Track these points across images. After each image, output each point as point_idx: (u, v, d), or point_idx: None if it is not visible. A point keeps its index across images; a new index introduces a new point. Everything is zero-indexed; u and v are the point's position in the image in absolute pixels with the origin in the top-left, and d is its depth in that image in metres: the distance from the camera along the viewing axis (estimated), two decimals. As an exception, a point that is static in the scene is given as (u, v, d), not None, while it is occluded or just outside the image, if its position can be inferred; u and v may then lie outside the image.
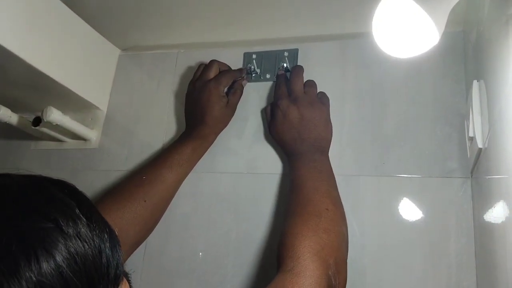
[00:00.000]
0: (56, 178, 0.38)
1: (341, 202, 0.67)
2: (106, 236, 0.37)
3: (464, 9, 0.73)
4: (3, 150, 0.97)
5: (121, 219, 0.69)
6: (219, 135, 0.81)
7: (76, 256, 0.33)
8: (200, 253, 0.77)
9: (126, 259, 0.71)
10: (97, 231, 0.36)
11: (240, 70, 0.83)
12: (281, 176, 0.77)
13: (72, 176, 0.88)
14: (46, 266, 0.31)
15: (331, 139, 0.75)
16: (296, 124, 0.73)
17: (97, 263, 0.35)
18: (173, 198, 0.80)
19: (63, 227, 0.33)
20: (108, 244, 0.36)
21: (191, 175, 0.80)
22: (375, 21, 0.50)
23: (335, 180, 0.70)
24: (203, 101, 0.78)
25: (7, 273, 0.30)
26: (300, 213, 0.61)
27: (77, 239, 0.34)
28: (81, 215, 0.35)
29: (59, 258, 0.32)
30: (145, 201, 0.72)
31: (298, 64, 0.83)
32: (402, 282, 0.67)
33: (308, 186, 0.65)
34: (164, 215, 0.80)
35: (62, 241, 0.33)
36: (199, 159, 0.80)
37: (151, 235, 0.79)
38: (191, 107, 0.81)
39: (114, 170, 0.86)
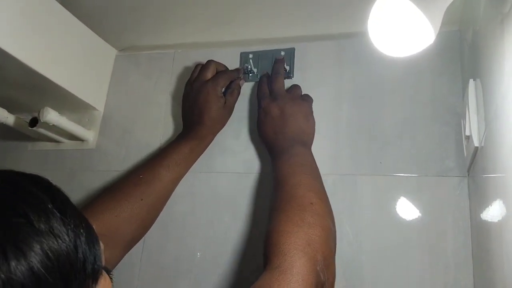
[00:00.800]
0: (31, 173, 0.38)
1: (326, 195, 0.66)
2: (82, 231, 0.36)
3: (460, 8, 0.73)
4: (0, 151, 0.97)
5: (117, 217, 0.69)
6: (217, 135, 0.81)
7: (48, 252, 0.32)
8: (198, 253, 0.77)
9: (123, 256, 0.71)
10: (72, 226, 0.35)
11: (237, 70, 0.83)
12: (279, 176, 0.77)
13: (69, 176, 0.88)
14: (16, 264, 0.30)
15: (313, 134, 0.75)
16: (277, 119, 0.74)
17: (72, 259, 0.34)
18: (171, 198, 0.80)
19: (34, 223, 0.32)
20: (84, 239, 0.36)
21: (188, 175, 0.81)
22: (370, 21, 0.50)
23: (318, 172, 0.69)
24: (200, 102, 0.78)
25: None
26: (284, 209, 0.60)
27: (50, 234, 0.33)
28: (54, 210, 0.34)
29: (29, 254, 0.31)
30: (141, 199, 0.72)
31: (295, 63, 0.83)
32: (400, 281, 0.67)
33: (291, 182, 0.64)
34: (162, 215, 0.80)
35: (34, 237, 0.32)
36: (197, 159, 0.80)
37: (149, 234, 0.79)
38: (189, 107, 0.81)
39: (111, 170, 0.86)
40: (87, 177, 0.87)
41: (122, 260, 0.78)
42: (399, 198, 0.71)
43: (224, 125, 0.81)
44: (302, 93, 0.79)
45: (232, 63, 0.86)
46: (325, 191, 0.66)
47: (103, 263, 0.39)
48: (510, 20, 0.42)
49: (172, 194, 0.81)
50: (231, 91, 0.81)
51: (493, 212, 0.50)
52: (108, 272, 0.41)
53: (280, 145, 0.72)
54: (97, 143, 0.90)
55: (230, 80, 0.81)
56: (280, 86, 0.78)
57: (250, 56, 0.85)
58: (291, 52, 0.84)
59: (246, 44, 0.87)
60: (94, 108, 0.90)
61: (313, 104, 0.79)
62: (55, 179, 0.97)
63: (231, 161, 0.80)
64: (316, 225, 0.58)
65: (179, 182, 0.79)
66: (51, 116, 0.81)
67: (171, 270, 0.77)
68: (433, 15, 0.43)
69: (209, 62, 0.82)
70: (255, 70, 0.85)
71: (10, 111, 0.86)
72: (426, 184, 0.70)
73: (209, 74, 0.80)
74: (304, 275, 0.51)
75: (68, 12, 0.82)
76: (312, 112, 0.77)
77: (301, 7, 0.78)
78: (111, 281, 0.41)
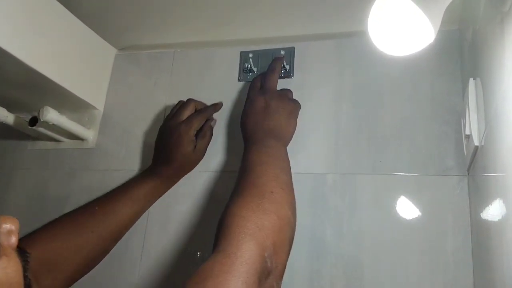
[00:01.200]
0: None
1: (291, 188, 0.64)
2: None
3: (460, 7, 0.73)
4: (0, 151, 0.97)
5: (63, 246, 0.68)
6: (214, 132, 0.81)
7: None
8: (198, 253, 0.76)
9: (68, 287, 0.69)
10: None
11: (214, 106, 0.82)
12: (278, 175, 0.77)
13: (69, 175, 0.88)
14: None
15: (291, 134, 0.75)
16: (260, 112, 0.74)
17: None
18: (171, 197, 0.80)
19: None
20: None
21: (189, 174, 0.80)
22: (370, 20, 0.50)
23: (288, 167, 0.68)
24: (171, 143, 0.77)
25: None
26: (243, 195, 0.59)
27: None
28: None
29: None
30: (92, 232, 0.71)
31: (295, 63, 0.83)
32: (399, 279, 0.67)
33: (256, 170, 0.63)
34: (161, 215, 0.80)
35: None
36: (159, 197, 0.80)
37: (149, 234, 0.79)
38: (160, 144, 0.80)
39: (111, 169, 0.86)
40: (87, 176, 0.87)
41: (122, 259, 0.78)
42: (399, 197, 0.71)
43: (192, 168, 0.80)
44: (293, 97, 0.79)
45: (232, 62, 0.86)
46: (291, 184, 0.65)
47: (13, 243, 0.38)
48: (510, 19, 0.42)
49: (172, 194, 0.81)
50: (203, 134, 0.79)
51: (493, 211, 0.50)
52: (23, 254, 0.40)
53: (255, 135, 0.72)
54: (97, 142, 0.89)
55: (204, 121, 0.80)
56: (272, 83, 0.78)
57: (250, 55, 0.85)
58: (291, 51, 0.84)
59: (246, 44, 0.87)
60: (94, 107, 0.90)
61: (313, 103, 0.79)
62: (55, 178, 0.97)
63: (230, 161, 0.80)
64: (272, 212, 0.56)
65: (138, 218, 0.77)
66: (51, 115, 0.81)
67: (170, 269, 0.77)
68: (433, 14, 0.43)
69: (189, 101, 0.80)
70: (255, 69, 0.84)
71: (10, 110, 0.86)
72: (426, 183, 0.70)
73: (186, 114, 0.79)
74: (249, 258, 0.49)
75: (68, 11, 0.82)
76: (296, 115, 0.77)
77: (301, 6, 0.78)
78: (25, 264, 0.40)
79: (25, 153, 0.94)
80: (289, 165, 0.69)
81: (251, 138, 0.73)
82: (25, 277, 0.42)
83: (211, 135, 0.81)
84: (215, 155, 0.82)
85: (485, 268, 0.56)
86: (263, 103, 0.75)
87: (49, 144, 0.92)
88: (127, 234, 0.79)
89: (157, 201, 0.81)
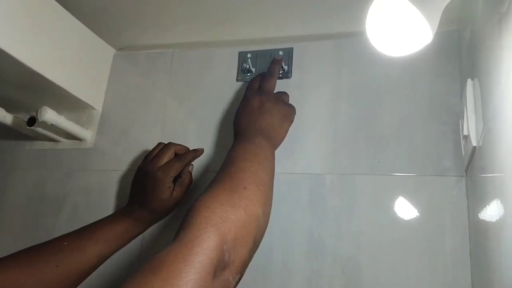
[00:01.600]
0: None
1: (269, 188, 0.64)
2: None
3: (458, 8, 0.73)
4: (-2, 151, 0.97)
5: (29, 279, 0.66)
6: (212, 132, 0.81)
7: None
8: None
9: None
10: None
11: (195, 152, 0.80)
12: (276, 175, 0.77)
13: (67, 176, 0.88)
14: None
15: (282, 137, 0.75)
16: (255, 111, 0.74)
17: None
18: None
19: None
20: None
21: (186, 175, 0.80)
22: (368, 20, 0.50)
23: (271, 168, 0.67)
24: (148, 187, 0.76)
25: None
26: (216, 187, 0.58)
27: None
28: None
29: None
30: (57, 266, 0.68)
31: (293, 63, 0.83)
32: (398, 280, 0.67)
33: (237, 165, 0.62)
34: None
35: None
36: (132, 239, 0.77)
37: (147, 235, 0.79)
38: (137, 186, 0.78)
39: (109, 169, 0.86)
40: (84, 176, 0.87)
41: (119, 263, 0.78)
42: (397, 197, 0.71)
43: (167, 214, 0.78)
44: (289, 101, 0.79)
45: (230, 62, 0.86)
46: (269, 185, 0.64)
47: None
48: (507, 19, 0.42)
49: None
50: (181, 181, 0.78)
51: (491, 212, 0.50)
52: None
53: (246, 132, 0.72)
54: (95, 142, 0.89)
55: (183, 167, 0.78)
56: (271, 85, 0.79)
57: (248, 55, 0.85)
58: (289, 52, 0.84)
59: (245, 44, 0.87)
60: (92, 108, 0.90)
61: (311, 103, 0.79)
62: (53, 179, 0.97)
63: (229, 161, 0.80)
64: (240, 207, 0.55)
65: (107, 258, 0.74)
66: (49, 115, 0.81)
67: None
68: (430, 14, 0.43)
69: (169, 145, 0.79)
70: (253, 69, 0.85)
71: (8, 110, 0.85)
72: (424, 183, 0.70)
73: (165, 159, 0.77)
74: (206, 248, 0.48)
75: (66, 11, 0.82)
76: (290, 119, 0.77)
77: (299, 7, 0.78)
78: None
79: (23, 153, 0.94)
80: (273, 166, 0.68)
81: (240, 134, 0.72)
82: None
83: (191, 181, 0.79)
84: (213, 156, 0.82)
85: (483, 268, 0.56)
86: (259, 103, 0.75)
87: (47, 144, 0.92)
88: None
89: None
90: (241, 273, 0.54)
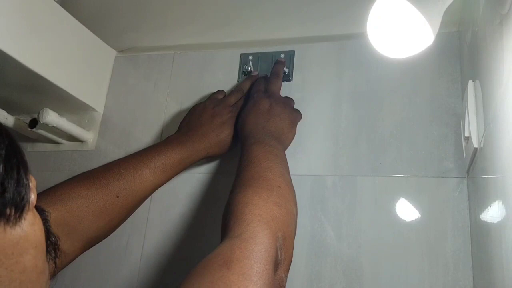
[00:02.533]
0: None
1: (293, 187, 0.64)
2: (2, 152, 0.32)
3: (459, 10, 0.73)
4: (0, 152, 0.97)
5: (87, 208, 0.61)
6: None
7: None
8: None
9: (82, 252, 0.63)
10: None
11: (250, 78, 0.83)
12: (278, 177, 0.77)
13: (69, 177, 0.88)
14: None
15: (291, 141, 0.75)
16: (264, 113, 0.74)
17: None
18: (171, 199, 0.80)
19: None
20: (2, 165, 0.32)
21: (187, 176, 0.80)
22: (369, 22, 0.50)
23: (288, 168, 0.67)
24: (215, 120, 0.76)
25: None
26: (251, 185, 0.58)
27: None
28: None
29: None
30: (117, 197, 0.65)
31: (294, 65, 0.83)
32: (399, 281, 0.67)
33: (262, 165, 0.62)
34: (161, 217, 0.80)
35: None
36: (181, 171, 0.74)
37: (148, 235, 0.79)
38: (199, 116, 0.77)
39: (111, 171, 0.86)
40: (86, 178, 0.87)
41: (121, 261, 0.78)
42: (399, 199, 0.71)
43: (220, 153, 0.78)
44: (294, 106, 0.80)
45: (232, 64, 0.86)
46: (292, 183, 0.64)
47: (33, 200, 0.36)
48: (508, 21, 0.42)
49: (171, 196, 0.81)
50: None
51: (493, 213, 0.50)
52: (42, 212, 0.37)
53: (257, 134, 0.71)
54: (96, 144, 0.90)
55: None
56: (277, 88, 0.79)
57: (250, 57, 0.85)
58: (290, 55, 0.84)
59: (246, 46, 0.87)
60: (93, 109, 0.90)
61: (312, 105, 0.79)
62: (55, 180, 0.98)
63: (230, 162, 0.80)
64: (281, 205, 0.56)
65: (159, 188, 0.71)
66: (51, 117, 0.81)
67: (170, 270, 0.77)
68: (432, 16, 0.43)
69: (239, 87, 0.81)
70: (254, 71, 0.85)
71: (9, 112, 0.86)
72: (426, 185, 0.70)
73: (234, 100, 0.79)
74: (266, 246, 0.49)
75: (68, 13, 0.82)
76: (296, 125, 0.77)
77: (301, 8, 0.78)
78: (45, 220, 0.37)
79: (25, 155, 0.94)
80: (289, 169, 0.68)
81: (251, 136, 0.71)
82: (51, 235, 0.39)
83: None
84: (215, 157, 0.82)
85: (484, 270, 0.56)
86: (267, 105, 0.75)
87: (49, 146, 0.92)
88: (126, 236, 0.79)
89: (156, 204, 0.81)
90: (288, 272, 0.54)
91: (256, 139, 0.70)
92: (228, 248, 0.47)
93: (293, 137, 0.76)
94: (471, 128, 0.58)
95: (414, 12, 0.43)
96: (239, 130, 0.76)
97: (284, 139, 0.73)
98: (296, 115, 0.77)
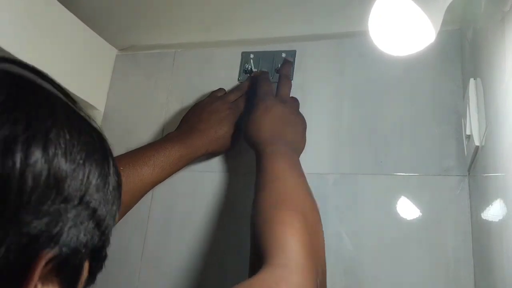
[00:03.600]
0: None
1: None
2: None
3: (461, 7, 0.73)
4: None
5: None
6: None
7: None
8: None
9: None
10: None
11: (251, 79, 0.82)
12: (279, 175, 0.77)
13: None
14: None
15: (303, 149, 0.74)
16: (278, 121, 0.72)
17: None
18: (171, 198, 0.80)
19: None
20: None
21: (189, 174, 0.80)
22: (371, 20, 0.50)
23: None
24: (215, 116, 0.76)
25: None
26: (286, 207, 0.56)
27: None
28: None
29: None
30: None
31: (295, 63, 0.83)
32: (401, 279, 0.67)
33: (291, 181, 0.62)
34: (162, 216, 0.80)
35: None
36: (181, 168, 0.75)
37: (149, 234, 0.79)
38: (199, 113, 0.77)
39: (112, 170, 0.86)
40: (87, 177, 0.87)
41: (122, 262, 0.78)
42: (400, 197, 0.71)
43: (219, 150, 0.78)
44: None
45: (233, 62, 0.86)
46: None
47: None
48: (510, 18, 0.42)
49: (172, 195, 0.81)
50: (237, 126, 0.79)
51: (494, 211, 0.50)
52: (102, 259, 0.36)
53: (278, 145, 0.69)
54: (97, 142, 0.89)
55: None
56: (288, 92, 0.78)
57: (251, 56, 0.85)
58: (292, 55, 0.83)
59: (246, 44, 0.87)
60: (94, 108, 0.90)
61: (313, 103, 0.79)
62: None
63: (231, 161, 0.80)
64: (317, 232, 0.55)
65: (159, 183, 0.72)
66: (52, 115, 0.81)
67: (171, 269, 0.77)
68: (433, 14, 0.43)
69: (239, 86, 0.82)
70: (255, 70, 0.84)
71: (10, 110, 0.86)
72: (427, 183, 0.70)
73: (233, 98, 0.80)
74: (311, 281, 0.47)
75: (69, 12, 0.82)
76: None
77: (302, 6, 0.78)
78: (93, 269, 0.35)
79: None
80: None
81: (270, 144, 0.69)
82: None
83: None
84: (215, 154, 0.81)
85: (485, 268, 0.56)
86: (281, 112, 0.73)
87: (50, 145, 0.92)
88: (127, 236, 0.79)
89: (157, 203, 0.81)
90: None
91: (277, 149, 0.68)
92: (273, 280, 0.46)
93: (304, 146, 0.74)
94: (473, 126, 0.58)
95: (415, 10, 0.43)
96: (252, 133, 0.72)
97: (299, 148, 0.73)
98: (305, 123, 0.76)
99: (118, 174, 0.35)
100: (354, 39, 0.80)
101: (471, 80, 0.62)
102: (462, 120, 0.68)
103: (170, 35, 0.90)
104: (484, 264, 0.57)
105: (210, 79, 0.87)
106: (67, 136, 0.30)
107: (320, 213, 0.73)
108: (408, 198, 0.70)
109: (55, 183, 0.28)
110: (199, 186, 0.80)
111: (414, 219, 0.69)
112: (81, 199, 0.30)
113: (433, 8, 0.43)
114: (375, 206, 0.71)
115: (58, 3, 0.80)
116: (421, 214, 0.69)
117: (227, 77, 0.86)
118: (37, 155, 0.28)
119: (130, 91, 0.92)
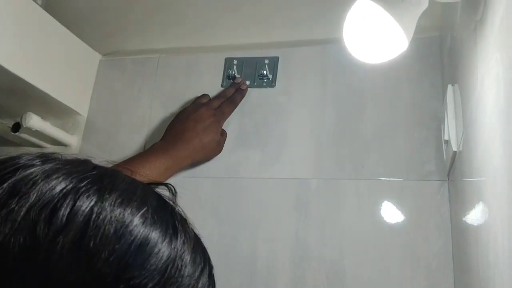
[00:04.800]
0: None
1: None
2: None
3: (439, 14, 0.74)
4: (-17, 157, 0.96)
5: None
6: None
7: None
8: None
9: None
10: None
11: (241, 92, 0.82)
12: (262, 180, 0.77)
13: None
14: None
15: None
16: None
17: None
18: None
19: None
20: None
21: (172, 180, 0.80)
22: (345, 28, 0.51)
23: None
24: (200, 125, 0.76)
25: None
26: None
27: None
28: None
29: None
30: None
31: (278, 70, 0.83)
32: (381, 284, 0.67)
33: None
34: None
35: None
36: (167, 179, 0.74)
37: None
38: (183, 122, 0.77)
39: (95, 175, 0.86)
40: (70, 183, 0.86)
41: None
42: (382, 202, 0.71)
43: (205, 158, 0.79)
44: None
45: (217, 68, 0.87)
46: None
47: None
48: (482, 27, 0.43)
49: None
50: (222, 131, 0.80)
51: (472, 216, 0.51)
52: None
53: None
54: (80, 148, 0.89)
55: (233, 111, 0.81)
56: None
57: (235, 62, 0.86)
58: (275, 61, 0.84)
59: (230, 49, 0.87)
60: (77, 113, 0.89)
61: (295, 109, 0.80)
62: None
63: (214, 166, 0.80)
64: None
65: None
66: (34, 121, 0.80)
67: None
68: (406, 22, 0.44)
69: (223, 92, 0.82)
70: (238, 76, 0.85)
71: (-8, 116, 0.85)
72: (408, 188, 0.71)
73: (218, 103, 0.80)
74: None
75: (51, 17, 0.81)
76: None
77: (284, 12, 0.78)
78: None
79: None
80: None
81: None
82: None
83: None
84: (200, 163, 0.81)
85: (464, 271, 0.57)
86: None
87: (33, 151, 0.91)
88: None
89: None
90: None
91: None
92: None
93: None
94: (450, 131, 0.59)
95: (387, 18, 0.44)
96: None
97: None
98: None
99: None
100: (336, 45, 0.80)
101: (449, 86, 0.63)
102: (442, 126, 0.69)
103: (154, 41, 0.90)
104: (463, 267, 0.58)
105: (193, 85, 0.87)
106: None
107: (302, 218, 0.73)
108: (389, 202, 0.71)
109: None
110: (181, 192, 0.80)
111: (395, 223, 0.70)
112: None
113: (405, 16, 0.44)
114: (357, 211, 0.72)
115: (41, 9, 0.79)
116: (402, 218, 0.70)
117: (210, 82, 0.86)
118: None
119: (113, 97, 0.91)
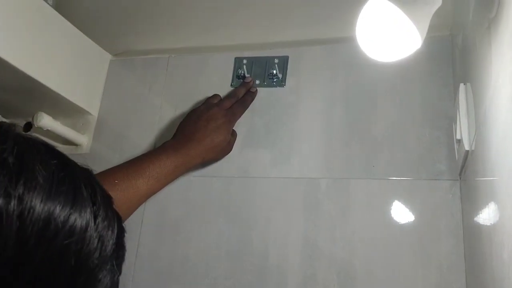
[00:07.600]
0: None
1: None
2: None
3: (451, 13, 0.73)
4: (-5, 156, 0.97)
5: None
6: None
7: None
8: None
9: None
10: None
11: (251, 94, 0.83)
12: (272, 180, 0.77)
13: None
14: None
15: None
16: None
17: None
18: (165, 202, 0.80)
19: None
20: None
21: (182, 179, 0.81)
22: (358, 26, 0.51)
23: None
24: (211, 124, 0.76)
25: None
26: None
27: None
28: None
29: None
30: None
31: (288, 70, 0.83)
32: (392, 283, 0.67)
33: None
34: (155, 220, 0.80)
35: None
36: (177, 178, 0.75)
37: (142, 239, 0.79)
38: (195, 121, 0.77)
39: (105, 175, 0.86)
40: (81, 182, 0.87)
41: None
42: (392, 201, 0.71)
43: (216, 158, 0.79)
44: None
45: (226, 68, 0.87)
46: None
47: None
48: (496, 25, 0.43)
49: (166, 199, 0.81)
50: (232, 132, 0.80)
51: (484, 215, 0.50)
52: None
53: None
54: (91, 147, 0.90)
55: (244, 111, 0.82)
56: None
57: (244, 61, 0.86)
58: (284, 60, 0.84)
59: (240, 49, 0.87)
60: (88, 113, 0.90)
61: (305, 109, 0.80)
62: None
63: (224, 165, 0.81)
64: None
65: (155, 193, 0.72)
66: (45, 121, 0.81)
67: (164, 274, 0.77)
68: (419, 20, 0.44)
69: (234, 92, 0.82)
70: (248, 75, 0.85)
71: (3, 116, 0.86)
72: (419, 187, 0.70)
73: (229, 104, 0.80)
74: None
75: (62, 17, 0.82)
76: None
77: (295, 12, 0.78)
78: None
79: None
80: None
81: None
82: None
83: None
84: (211, 162, 0.82)
85: (476, 271, 0.56)
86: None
87: (44, 150, 0.92)
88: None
89: (151, 207, 0.81)
90: None
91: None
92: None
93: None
94: (463, 130, 0.59)
95: (401, 16, 0.43)
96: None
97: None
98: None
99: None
100: (346, 45, 0.81)
101: (461, 85, 0.62)
102: (453, 125, 0.68)
103: (164, 40, 0.91)
104: (475, 268, 0.57)
105: (203, 84, 0.87)
106: None
107: (312, 217, 0.73)
108: (400, 202, 0.71)
109: None
110: (191, 191, 0.80)
111: (406, 223, 0.69)
112: None
113: (419, 14, 0.43)
114: (367, 210, 0.71)
115: (52, 9, 0.80)
116: (413, 218, 0.69)
117: (220, 82, 0.86)
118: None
119: (124, 96, 0.92)
